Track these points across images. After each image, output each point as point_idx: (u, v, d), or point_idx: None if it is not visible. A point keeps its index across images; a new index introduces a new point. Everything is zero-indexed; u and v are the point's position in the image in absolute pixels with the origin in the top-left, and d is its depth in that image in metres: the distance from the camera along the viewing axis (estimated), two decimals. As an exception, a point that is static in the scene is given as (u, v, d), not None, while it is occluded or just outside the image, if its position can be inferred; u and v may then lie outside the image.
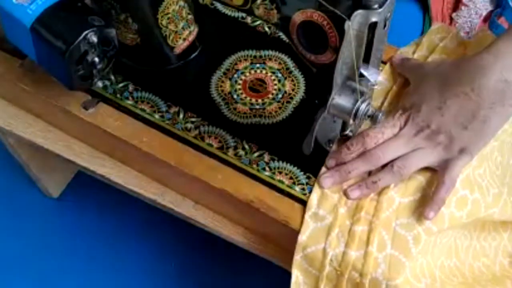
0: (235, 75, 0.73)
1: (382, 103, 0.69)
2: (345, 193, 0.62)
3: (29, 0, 0.62)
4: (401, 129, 0.62)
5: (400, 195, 0.61)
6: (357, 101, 0.57)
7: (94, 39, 0.60)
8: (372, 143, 0.61)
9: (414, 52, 0.73)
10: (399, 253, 0.58)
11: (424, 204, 0.60)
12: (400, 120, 0.62)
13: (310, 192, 0.63)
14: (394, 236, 0.59)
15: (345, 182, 0.63)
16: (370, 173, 0.63)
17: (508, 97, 0.59)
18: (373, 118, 0.58)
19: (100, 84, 0.68)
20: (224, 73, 0.73)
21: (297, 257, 0.61)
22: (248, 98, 0.71)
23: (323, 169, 0.64)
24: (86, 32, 0.60)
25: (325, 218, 0.61)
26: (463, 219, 0.61)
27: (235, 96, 0.71)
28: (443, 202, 0.59)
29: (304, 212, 0.62)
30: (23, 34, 0.62)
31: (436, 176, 0.61)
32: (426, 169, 0.62)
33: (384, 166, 0.62)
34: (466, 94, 0.59)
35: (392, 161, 0.61)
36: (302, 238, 0.61)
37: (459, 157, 0.60)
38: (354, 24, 0.50)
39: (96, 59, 0.63)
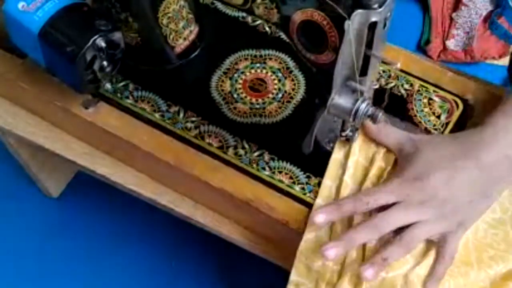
0: (235, 75, 0.73)
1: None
2: (360, 275, 0.57)
3: (35, 7, 0.62)
4: (399, 197, 0.59)
5: None
6: (357, 101, 0.57)
7: (102, 44, 0.61)
8: (362, 208, 0.59)
9: None
10: None
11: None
12: (401, 189, 0.59)
13: (310, 191, 0.64)
14: None
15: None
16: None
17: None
18: (373, 118, 0.58)
19: (108, 86, 0.68)
20: (224, 73, 0.73)
21: None
22: (248, 98, 0.71)
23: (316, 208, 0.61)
24: (94, 38, 0.60)
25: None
26: None
27: (235, 96, 0.71)
28: (442, 277, 0.58)
29: (304, 211, 0.62)
30: (31, 40, 0.62)
31: None
32: None
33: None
34: (475, 167, 0.59)
35: (395, 231, 0.59)
36: None
37: (457, 231, 0.59)
38: (354, 23, 0.50)
39: (105, 63, 0.63)
